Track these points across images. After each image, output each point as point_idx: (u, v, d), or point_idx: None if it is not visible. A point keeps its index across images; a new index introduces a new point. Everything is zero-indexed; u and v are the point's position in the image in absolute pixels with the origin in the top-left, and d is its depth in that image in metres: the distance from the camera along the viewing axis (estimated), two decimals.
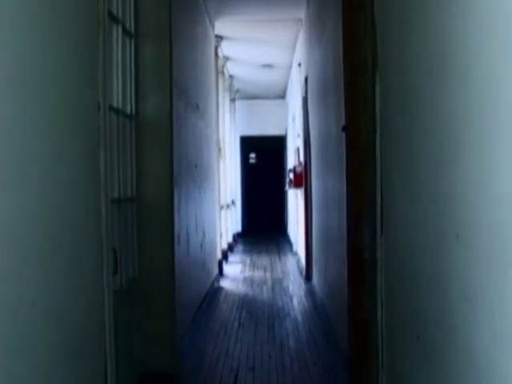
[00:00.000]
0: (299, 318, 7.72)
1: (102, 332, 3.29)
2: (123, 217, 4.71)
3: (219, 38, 11.11)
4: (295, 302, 8.73)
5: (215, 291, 9.36)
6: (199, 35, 8.09)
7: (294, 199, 14.04)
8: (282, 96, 18.27)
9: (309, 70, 9.15)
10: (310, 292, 9.15)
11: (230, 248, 14.74)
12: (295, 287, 9.92)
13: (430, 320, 2.50)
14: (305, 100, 9.86)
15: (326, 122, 6.81)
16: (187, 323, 6.43)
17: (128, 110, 5.01)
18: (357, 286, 4.64)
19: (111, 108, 4.45)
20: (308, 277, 10.13)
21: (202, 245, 7.81)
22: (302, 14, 9.78)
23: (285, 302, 8.69)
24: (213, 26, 9.98)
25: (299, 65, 11.04)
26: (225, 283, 10.37)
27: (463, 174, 2.04)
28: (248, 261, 13.49)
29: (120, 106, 4.72)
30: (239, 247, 16.39)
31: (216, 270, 10.04)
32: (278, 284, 10.31)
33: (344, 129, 4.77)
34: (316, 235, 8.63)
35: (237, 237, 17.75)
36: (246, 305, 8.57)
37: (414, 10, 2.73)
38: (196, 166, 7.26)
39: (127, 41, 5.02)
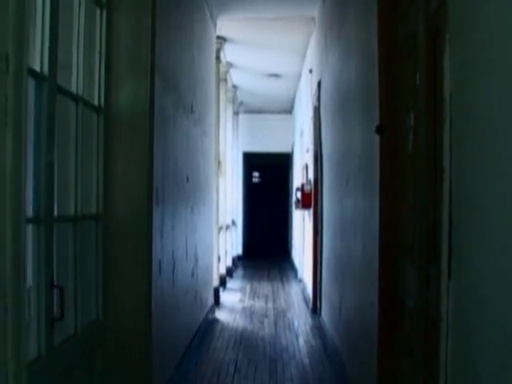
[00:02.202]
0: (306, 362, 6.49)
1: None
2: (80, 239, 3.53)
3: (222, 39, 9.98)
4: (301, 340, 7.51)
5: (209, 325, 8.13)
6: (197, 26, 6.94)
7: (300, 221, 12.84)
8: (288, 111, 17.13)
9: (323, 74, 8.00)
10: (319, 328, 7.93)
11: (229, 273, 13.53)
12: (301, 322, 8.68)
13: None
14: (317, 110, 8.70)
15: (345, 130, 5.65)
16: (170, 371, 5.22)
17: (95, 100, 3.86)
18: (392, 342, 3.44)
19: (64, 92, 3.29)
20: (315, 309, 8.92)
21: (193, 272, 6.61)
22: (315, 11, 8.65)
23: (289, 341, 7.46)
24: (215, 25, 8.85)
25: (310, 71, 9.89)
26: (221, 314, 9.14)
27: None
28: (248, 288, 12.25)
29: (80, 92, 3.55)
30: (239, 272, 15.16)
31: (211, 300, 8.82)
32: (281, 317, 9.08)
33: (379, 130, 3.60)
34: (327, 262, 7.42)
35: (237, 260, 16.53)
36: (245, 343, 7.35)
37: None
38: (188, 179, 6.08)
39: (97, 11, 3.87)
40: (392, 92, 3.56)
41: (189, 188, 6.19)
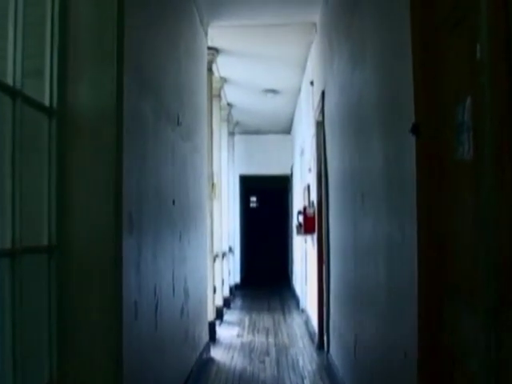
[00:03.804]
0: None
1: None
2: (22, 280, 2.64)
3: (214, 50, 9.15)
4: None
5: (203, 366, 7.20)
6: (185, 29, 6.10)
7: (301, 246, 11.95)
8: (286, 131, 16.29)
9: (327, 83, 7.15)
10: (327, 369, 6.99)
11: (227, 303, 12.61)
12: (306, 360, 7.75)
13: None
14: (320, 125, 7.85)
15: (359, 140, 4.79)
16: None
17: (45, 99, 3.00)
18: None
19: None
20: (322, 345, 7.98)
21: (183, 309, 5.70)
22: (316, 16, 7.83)
23: None
24: (206, 33, 8.02)
25: (311, 83, 9.06)
26: (217, 353, 8.20)
27: None
28: (247, 320, 11.29)
29: (19, 84, 2.69)
30: (237, 302, 14.20)
31: (206, 337, 7.89)
32: (283, 354, 8.14)
33: (415, 130, 2.73)
34: (336, 293, 6.52)
35: (235, 289, 15.60)
36: None
37: None
38: (174, 202, 5.20)
39: None
40: (431, 81, 2.70)
41: (176, 212, 5.30)
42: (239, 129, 15.81)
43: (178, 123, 5.47)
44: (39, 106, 2.95)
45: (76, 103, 3.13)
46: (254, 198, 19.90)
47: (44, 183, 2.99)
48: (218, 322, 9.99)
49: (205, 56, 8.15)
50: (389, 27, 3.62)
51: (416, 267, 2.75)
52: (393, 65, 3.49)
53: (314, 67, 8.91)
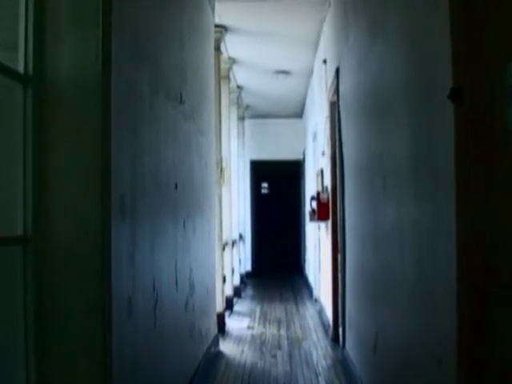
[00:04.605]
0: None
1: None
2: None
3: (222, 28, 8.69)
4: (322, 380, 6.15)
5: (211, 361, 6.79)
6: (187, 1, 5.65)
7: (314, 233, 11.51)
8: (298, 115, 15.81)
9: (342, 59, 6.69)
10: (343, 364, 6.56)
11: (237, 293, 12.21)
12: (320, 354, 7.32)
13: None
14: (335, 105, 7.39)
15: (380, 117, 4.35)
16: None
17: (19, 66, 2.57)
18: None
19: None
20: (336, 338, 7.57)
21: (187, 303, 5.28)
22: None
23: (308, 382, 6.11)
24: (212, 8, 7.56)
25: (324, 61, 8.58)
26: (226, 346, 7.80)
27: None
28: (258, 311, 10.87)
29: None
30: (248, 292, 13.77)
31: (214, 329, 7.49)
32: (296, 348, 7.72)
33: (455, 95, 2.27)
34: (353, 284, 6.08)
35: (245, 278, 15.19)
36: None
37: None
38: (177, 186, 4.77)
39: None
40: (474, 38, 2.25)
41: (179, 197, 4.88)
42: (249, 113, 15.34)
43: (181, 101, 5.03)
44: (13, 74, 2.53)
45: (56, 71, 2.70)
46: (265, 184, 19.41)
47: (18, 164, 2.57)
48: (227, 313, 9.60)
49: (211, 33, 7.69)
50: None
51: (454, 259, 2.31)
52: (421, 26, 3.04)
53: (327, 45, 8.43)
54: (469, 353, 2.22)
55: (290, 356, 7.26)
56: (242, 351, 7.53)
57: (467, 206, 2.23)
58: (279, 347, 7.77)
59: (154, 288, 3.89)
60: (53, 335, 2.67)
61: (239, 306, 11.39)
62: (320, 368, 6.66)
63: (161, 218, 4.18)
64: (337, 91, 7.05)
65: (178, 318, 4.87)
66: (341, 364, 6.64)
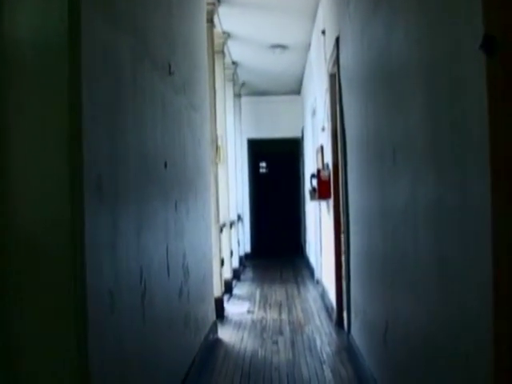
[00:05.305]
0: None
1: None
2: None
3: None
4: (327, 369, 5.79)
5: (209, 350, 6.43)
6: None
7: (315, 213, 11.14)
8: (296, 91, 15.38)
9: (342, 27, 6.27)
10: (348, 351, 6.21)
11: (237, 275, 11.87)
12: (324, 340, 6.97)
13: None
14: (335, 77, 6.99)
15: (388, 84, 3.94)
16: None
17: None
18: None
19: None
20: (341, 322, 7.22)
21: (181, 290, 4.91)
22: None
23: (312, 371, 5.75)
24: None
25: (323, 32, 8.15)
26: (225, 333, 7.44)
27: None
28: (258, 294, 10.52)
29: None
30: (247, 274, 13.42)
31: (213, 316, 7.13)
32: (299, 333, 7.37)
33: (488, 43, 1.88)
34: (357, 267, 5.71)
35: (245, 259, 14.85)
36: (255, 377, 5.64)
37: None
38: (167, 165, 4.37)
39: None
40: None
41: (169, 177, 4.48)
42: (246, 90, 14.90)
43: (170, 72, 4.62)
44: None
45: (13, 30, 2.29)
46: (263, 164, 19.02)
47: None
48: (226, 298, 9.25)
49: (203, 3, 7.25)
50: None
51: (489, 244, 1.93)
52: None
53: (325, 14, 8.00)
54: (508, 346, 1.85)
55: (293, 342, 6.91)
56: (242, 338, 7.18)
57: (505, 179, 1.84)
58: (281, 333, 7.42)
59: (141, 277, 3.50)
60: (15, 344, 2.29)
61: (238, 289, 11.05)
62: (324, 355, 6.30)
63: (149, 200, 3.79)
64: (337, 62, 6.64)
65: (171, 307, 4.50)
66: (346, 351, 6.29)
